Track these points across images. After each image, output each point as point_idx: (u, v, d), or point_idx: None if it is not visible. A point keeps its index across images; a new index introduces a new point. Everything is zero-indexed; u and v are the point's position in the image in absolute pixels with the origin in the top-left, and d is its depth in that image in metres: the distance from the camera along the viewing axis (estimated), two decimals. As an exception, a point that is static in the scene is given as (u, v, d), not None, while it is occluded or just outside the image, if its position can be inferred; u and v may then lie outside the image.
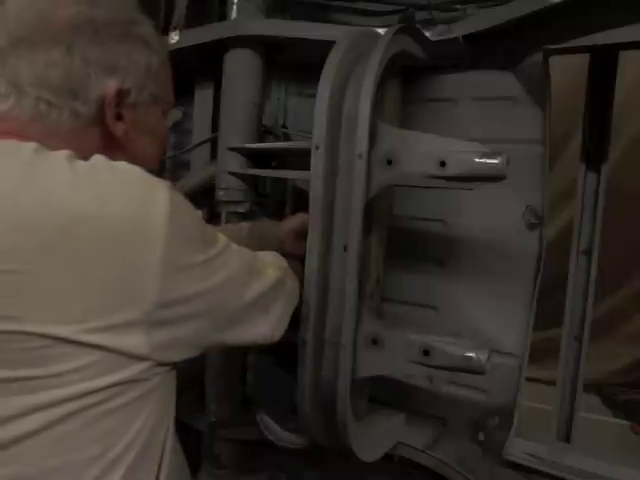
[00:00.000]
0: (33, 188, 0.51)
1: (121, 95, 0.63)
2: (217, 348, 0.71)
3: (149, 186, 0.55)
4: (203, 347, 0.65)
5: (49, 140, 0.58)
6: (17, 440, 0.51)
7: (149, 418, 0.59)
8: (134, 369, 0.54)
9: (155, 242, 0.53)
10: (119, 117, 0.64)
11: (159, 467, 0.63)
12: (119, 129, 0.64)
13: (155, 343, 0.55)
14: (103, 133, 0.63)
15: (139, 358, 0.55)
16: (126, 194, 0.54)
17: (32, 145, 0.55)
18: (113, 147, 0.64)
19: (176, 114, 1.43)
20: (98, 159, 0.57)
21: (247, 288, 0.68)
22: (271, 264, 0.77)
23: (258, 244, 1.05)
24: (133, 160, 0.64)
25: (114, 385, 0.53)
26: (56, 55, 0.58)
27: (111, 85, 0.61)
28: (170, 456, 0.64)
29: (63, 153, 0.55)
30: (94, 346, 0.51)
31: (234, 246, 0.67)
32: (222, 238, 0.64)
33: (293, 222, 1.08)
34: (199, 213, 0.62)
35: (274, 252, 0.87)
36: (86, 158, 0.58)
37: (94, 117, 0.62)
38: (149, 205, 0.54)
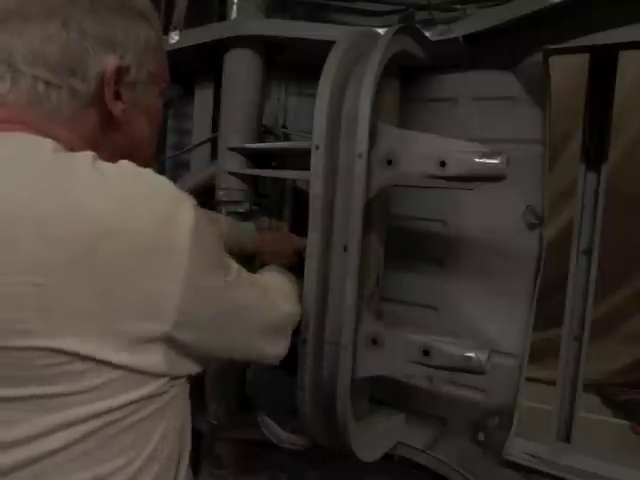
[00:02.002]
0: (57, 195, 0.48)
1: (120, 72, 0.59)
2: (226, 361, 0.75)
3: (176, 202, 0.53)
4: (214, 360, 0.67)
5: (49, 125, 0.56)
6: (42, 457, 0.49)
7: (169, 427, 0.59)
8: (153, 385, 0.54)
9: (178, 262, 0.52)
10: (117, 96, 0.60)
11: (177, 472, 0.63)
12: (117, 108, 0.60)
13: (172, 361, 0.55)
14: (101, 113, 0.60)
15: (157, 375, 0.54)
16: (153, 209, 0.52)
17: (49, 144, 0.53)
18: (111, 128, 0.61)
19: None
20: (126, 166, 0.55)
21: (261, 314, 0.70)
22: (283, 294, 0.81)
23: (234, 242, 1.08)
24: (130, 142, 0.64)
25: (134, 402, 0.53)
26: (52, 29, 0.54)
27: (110, 61, 0.58)
28: (187, 462, 0.65)
29: (86, 156, 0.53)
30: (114, 365, 0.50)
31: (245, 273, 0.67)
32: (234, 264, 0.64)
33: (276, 243, 1.16)
34: (217, 233, 0.62)
35: (278, 270, 0.91)
36: (86, 140, 0.57)
37: (93, 96, 0.58)
38: (174, 222, 0.52)
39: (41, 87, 0.55)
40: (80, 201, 0.49)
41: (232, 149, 1.16)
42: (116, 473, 0.53)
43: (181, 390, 0.60)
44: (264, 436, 1.17)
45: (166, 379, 0.55)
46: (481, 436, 1.13)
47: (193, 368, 0.60)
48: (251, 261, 1.16)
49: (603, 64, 1.08)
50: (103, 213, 0.49)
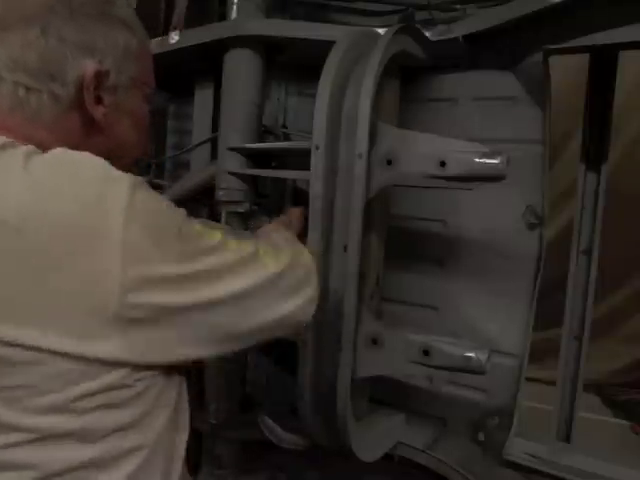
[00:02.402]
0: None
1: (100, 77, 0.61)
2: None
3: (106, 180, 0.52)
4: (216, 342, 0.61)
5: (31, 129, 0.58)
6: (7, 447, 0.51)
7: (150, 422, 0.57)
8: (113, 375, 0.52)
9: (111, 243, 0.50)
10: (99, 100, 0.62)
11: (168, 474, 0.62)
12: (99, 112, 0.62)
13: (129, 345, 0.52)
14: (83, 117, 0.61)
15: (116, 364, 0.52)
16: (80, 190, 0.51)
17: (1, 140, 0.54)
18: (93, 132, 0.63)
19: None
20: (56, 152, 0.55)
21: (247, 278, 0.62)
22: (276, 251, 0.71)
23: None
24: (115, 145, 0.65)
25: (92, 394, 0.52)
26: (31, 36, 0.57)
27: (89, 66, 0.59)
28: (182, 467, 0.64)
29: (23, 149, 0.54)
30: (62, 354, 0.49)
31: (231, 244, 0.62)
32: (214, 235, 0.60)
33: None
34: (178, 211, 0.58)
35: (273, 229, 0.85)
36: (69, 144, 0.57)
37: (73, 100, 0.60)
38: (104, 202, 0.50)
39: (22, 92, 0.57)
40: (7, 189, 0.50)
41: (232, 149, 1.16)
42: (90, 466, 0.54)
43: (159, 383, 0.58)
44: (264, 436, 1.17)
45: (128, 369, 0.53)
46: (481, 436, 1.13)
47: (168, 354, 0.57)
48: None
49: (603, 64, 1.08)
50: (27, 196, 0.50)
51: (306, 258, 0.75)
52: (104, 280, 0.50)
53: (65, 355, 0.50)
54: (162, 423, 0.59)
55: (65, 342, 0.50)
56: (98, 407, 0.53)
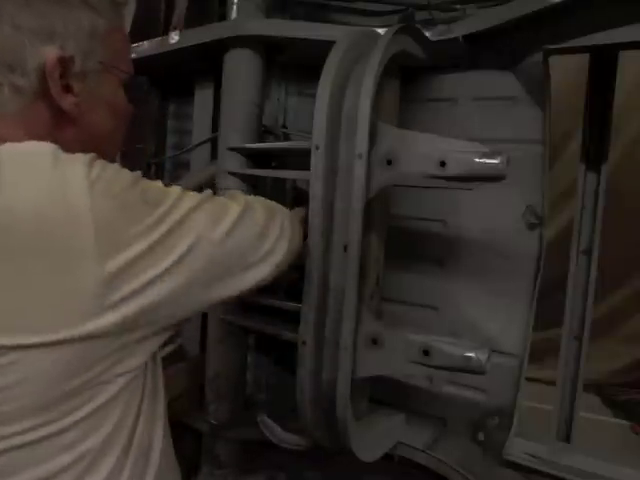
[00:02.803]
0: None
1: (64, 63, 0.56)
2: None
3: (58, 164, 0.50)
4: (191, 310, 0.60)
5: None
6: None
7: (122, 422, 0.57)
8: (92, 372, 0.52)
9: (82, 227, 0.48)
10: (67, 89, 0.58)
11: (145, 470, 0.61)
12: (67, 102, 0.58)
13: (113, 322, 0.51)
14: (52, 108, 0.58)
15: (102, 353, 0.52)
16: (38, 180, 0.49)
17: None
18: (65, 123, 0.59)
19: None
20: (3, 147, 0.53)
21: (218, 223, 0.61)
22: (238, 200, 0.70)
23: None
24: (89, 136, 0.62)
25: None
26: None
27: (49, 52, 0.55)
28: (160, 459, 0.63)
29: None
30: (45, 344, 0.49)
31: (191, 194, 0.60)
32: (173, 192, 0.58)
33: None
34: (134, 174, 0.56)
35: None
36: (39, 137, 0.55)
37: (38, 90, 0.56)
38: (64, 186, 0.49)
39: None
40: None
41: (232, 149, 1.16)
42: (62, 472, 0.53)
43: (132, 383, 0.57)
44: (264, 436, 1.17)
45: (108, 363, 0.53)
46: (481, 436, 1.13)
47: (152, 329, 0.56)
48: None
49: (603, 64, 1.08)
50: None
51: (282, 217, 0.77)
52: (84, 265, 0.49)
53: (58, 343, 0.49)
54: (124, 416, 0.58)
55: (55, 331, 0.49)
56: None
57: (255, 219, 0.68)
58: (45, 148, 0.52)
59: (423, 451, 1.13)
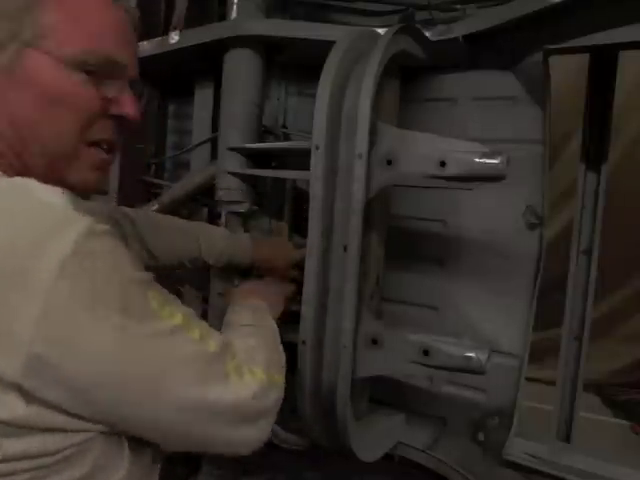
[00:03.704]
0: None
1: None
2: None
3: (53, 226, 0.45)
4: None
5: None
6: None
7: None
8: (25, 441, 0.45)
9: (34, 296, 0.42)
10: None
11: None
12: None
13: (33, 417, 0.45)
14: None
15: (24, 427, 0.45)
16: (20, 228, 0.44)
17: None
18: None
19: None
20: (15, 180, 0.48)
21: (198, 386, 0.51)
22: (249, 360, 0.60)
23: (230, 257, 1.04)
24: (7, 123, 0.51)
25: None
26: None
27: None
28: None
29: None
30: None
31: (193, 335, 0.52)
32: (173, 319, 0.51)
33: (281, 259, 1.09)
34: (136, 275, 0.49)
35: (255, 324, 0.74)
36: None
37: None
38: (41, 249, 0.43)
39: None
40: None
41: (232, 149, 1.16)
42: None
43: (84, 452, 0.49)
44: (264, 436, 1.16)
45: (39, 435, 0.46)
46: (481, 436, 1.13)
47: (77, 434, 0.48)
48: (248, 274, 1.16)
49: (603, 64, 1.08)
50: None
51: (278, 379, 0.64)
52: (12, 338, 0.42)
53: None
54: None
55: None
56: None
57: (246, 408, 0.57)
58: (53, 199, 0.47)
59: (423, 451, 1.13)
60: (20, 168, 0.53)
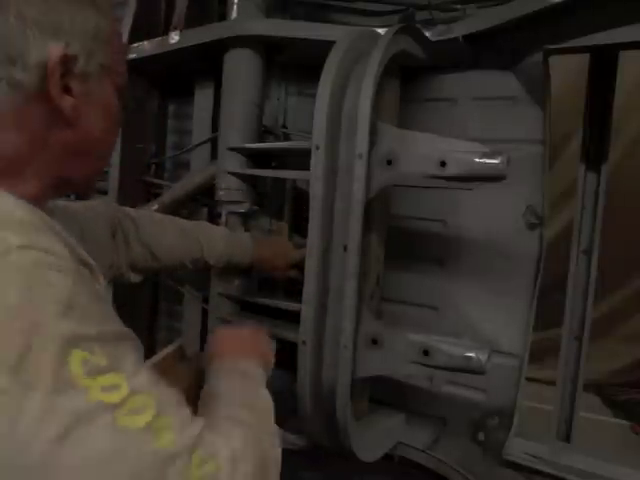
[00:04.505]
0: None
1: (67, 62, 0.53)
2: None
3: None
4: None
5: None
6: None
7: None
8: None
9: None
10: (67, 90, 0.54)
11: None
12: (67, 103, 0.53)
13: None
14: (47, 109, 0.53)
15: None
16: None
17: None
18: (59, 125, 0.55)
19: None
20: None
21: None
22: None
23: (230, 257, 1.04)
24: (81, 141, 0.57)
25: None
26: None
27: (53, 49, 0.51)
28: None
29: None
30: None
31: (138, 424, 0.41)
32: (107, 397, 0.40)
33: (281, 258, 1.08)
34: (66, 327, 0.40)
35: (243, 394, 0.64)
36: (29, 140, 0.52)
37: (37, 88, 0.52)
38: None
39: None
40: None
41: (232, 149, 1.16)
42: None
43: None
44: (264, 436, 1.16)
45: None
46: (481, 436, 1.13)
47: None
48: (248, 273, 1.16)
49: (603, 64, 1.08)
50: None
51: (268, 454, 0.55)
52: None
53: None
54: None
55: None
56: None
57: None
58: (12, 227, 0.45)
59: (423, 451, 1.13)
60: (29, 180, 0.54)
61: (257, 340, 0.80)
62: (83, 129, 0.57)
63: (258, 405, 0.64)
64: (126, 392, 0.41)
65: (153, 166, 1.48)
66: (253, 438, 0.53)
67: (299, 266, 0.97)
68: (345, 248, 0.90)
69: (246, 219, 1.21)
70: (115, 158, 1.33)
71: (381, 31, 0.99)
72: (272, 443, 0.58)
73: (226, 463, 0.46)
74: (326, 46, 0.92)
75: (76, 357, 0.39)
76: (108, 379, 0.40)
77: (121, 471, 0.39)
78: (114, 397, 0.40)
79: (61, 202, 0.73)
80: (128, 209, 0.94)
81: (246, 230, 1.20)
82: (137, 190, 1.43)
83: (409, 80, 1.13)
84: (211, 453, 0.45)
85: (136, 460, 0.40)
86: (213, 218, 1.32)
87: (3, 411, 0.37)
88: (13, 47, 0.50)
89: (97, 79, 0.57)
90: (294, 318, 0.97)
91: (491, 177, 0.84)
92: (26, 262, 0.42)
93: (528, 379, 1.11)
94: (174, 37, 1.22)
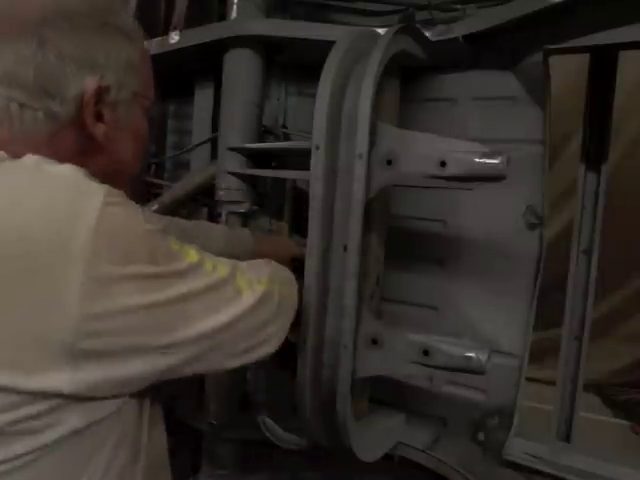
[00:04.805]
0: None
1: (100, 93, 0.57)
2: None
3: (77, 193, 0.49)
4: (157, 380, 0.56)
5: (20, 146, 0.53)
6: None
7: (80, 469, 0.53)
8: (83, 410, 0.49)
9: (74, 259, 0.46)
10: (98, 117, 0.58)
11: None
12: (99, 131, 0.58)
13: (81, 382, 0.48)
14: (81, 135, 0.57)
15: (54, 395, 0.48)
16: (46, 202, 0.48)
17: None
18: (92, 150, 0.58)
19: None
20: (27, 159, 0.52)
21: (213, 315, 0.58)
22: (262, 281, 0.68)
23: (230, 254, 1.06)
24: (113, 162, 0.61)
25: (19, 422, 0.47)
26: (27, 50, 0.52)
27: (90, 82, 0.55)
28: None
29: None
30: (17, 390, 0.46)
31: (207, 266, 0.59)
32: (189, 257, 0.56)
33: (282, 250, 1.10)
34: (150, 226, 0.53)
35: (260, 260, 0.79)
36: (64, 162, 0.54)
37: (72, 118, 0.56)
38: (73, 216, 0.47)
39: (14, 108, 0.54)
40: None
41: (232, 149, 1.16)
42: None
43: (122, 411, 0.54)
44: (264, 436, 1.17)
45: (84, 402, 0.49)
46: (481, 436, 1.13)
47: (120, 388, 0.53)
48: None
49: (603, 64, 1.08)
50: None
51: (284, 289, 0.73)
52: (61, 305, 0.46)
53: (7, 389, 0.46)
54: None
55: (13, 377, 0.46)
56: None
57: (264, 313, 0.66)
58: (68, 171, 0.51)
59: (423, 451, 1.13)
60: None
61: (280, 247, 1.03)
62: (114, 152, 0.61)
63: (279, 268, 0.79)
64: (194, 253, 0.58)
65: (153, 166, 1.48)
66: (276, 271, 0.75)
67: (300, 260, 0.97)
68: (345, 248, 0.90)
69: (246, 219, 1.21)
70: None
71: (381, 31, 0.99)
72: (283, 269, 0.80)
73: (251, 270, 0.68)
74: (326, 46, 0.92)
75: (170, 240, 0.56)
76: (185, 249, 0.57)
77: (212, 296, 0.59)
78: (194, 257, 0.57)
79: None
80: None
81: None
82: (137, 190, 1.43)
83: (409, 80, 1.13)
84: (243, 268, 0.67)
85: (215, 288, 0.59)
86: (213, 218, 1.32)
87: (153, 286, 0.52)
88: (53, 83, 0.54)
89: (127, 105, 0.61)
90: (295, 317, 0.97)
91: (491, 177, 0.84)
92: (120, 195, 0.53)
93: (528, 379, 1.10)
94: (174, 37, 1.22)
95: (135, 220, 0.52)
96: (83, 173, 0.52)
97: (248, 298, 0.63)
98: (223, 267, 0.62)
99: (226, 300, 0.60)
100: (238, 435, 1.29)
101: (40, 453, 0.49)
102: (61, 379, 0.47)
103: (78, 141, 0.58)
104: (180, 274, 0.54)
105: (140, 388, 0.55)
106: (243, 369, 1.30)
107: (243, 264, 0.69)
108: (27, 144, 0.54)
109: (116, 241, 0.49)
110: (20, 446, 0.48)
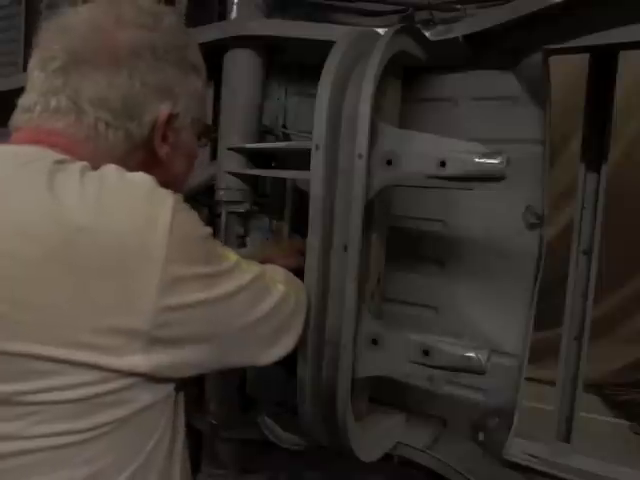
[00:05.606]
0: (48, 201, 0.53)
1: (170, 119, 0.66)
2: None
3: (154, 200, 0.56)
4: (207, 369, 0.68)
5: (100, 161, 0.59)
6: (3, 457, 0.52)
7: (145, 441, 0.59)
8: (118, 383, 0.54)
9: (154, 259, 0.53)
10: (164, 138, 0.66)
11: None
12: (163, 150, 0.67)
13: (154, 364, 0.55)
14: (148, 153, 0.66)
15: (130, 374, 0.55)
16: (129, 207, 0.54)
17: (55, 155, 0.57)
18: (153, 166, 0.66)
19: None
20: (109, 169, 0.58)
21: (256, 307, 0.68)
22: (279, 280, 0.78)
23: None
24: (168, 179, 0.67)
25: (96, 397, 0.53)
26: (118, 79, 0.61)
27: (164, 109, 0.65)
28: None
29: (79, 165, 0.57)
30: (85, 364, 0.52)
31: (244, 265, 0.67)
32: (231, 257, 0.65)
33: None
34: (207, 230, 0.61)
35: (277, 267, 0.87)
36: None
37: (144, 138, 0.65)
38: (150, 221, 0.54)
39: (101, 127, 0.62)
40: (63, 203, 0.53)
41: (232, 149, 1.16)
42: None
43: (160, 402, 0.60)
44: (264, 436, 1.17)
45: (136, 379, 0.55)
46: (481, 436, 1.13)
47: (180, 371, 0.61)
48: None
49: (603, 64, 1.08)
50: (79, 212, 0.52)
51: (299, 293, 0.83)
52: (140, 299, 0.53)
53: (90, 366, 0.52)
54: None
55: (94, 356, 0.52)
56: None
57: (290, 304, 0.76)
58: (145, 181, 0.57)
59: (423, 451, 1.13)
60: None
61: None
62: (170, 169, 0.70)
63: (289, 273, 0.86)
64: (233, 254, 0.67)
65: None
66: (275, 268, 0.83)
67: (302, 252, 0.98)
68: (345, 248, 0.90)
69: (246, 219, 1.21)
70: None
71: (381, 31, 0.99)
72: (300, 283, 0.87)
73: (270, 271, 0.77)
74: (326, 46, 0.92)
75: (217, 243, 0.65)
76: (227, 251, 0.66)
77: (252, 291, 0.67)
78: (234, 257, 0.66)
79: None
80: None
81: (246, 230, 1.21)
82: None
83: (409, 80, 1.13)
84: (264, 268, 0.74)
85: (253, 284, 0.67)
86: (213, 218, 1.32)
87: (212, 283, 0.60)
88: (135, 108, 0.63)
89: (187, 130, 0.71)
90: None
91: (491, 177, 0.84)
92: (182, 200, 0.59)
93: (528, 379, 1.10)
94: (174, 37, 1.22)
95: (197, 225, 0.60)
96: (155, 181, 0.59)
97: (278, 290, 0.73)
98: (253, 266, 0.70)
99: (264, 292, 0.70)
100: (238, 435, 1.29)
101: (118, 424, 0.55)
102: (137, 360, 0.54)
103: (144, 158, 0.66)
104: (228, 272, 0.62)
105: (192, 374, 0.62)
106: (243, 369, 1.30)
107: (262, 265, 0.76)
108: (107, 159, 0.61)
109: (185, 245, 0.56)
110: (105, 416, 0.54)
